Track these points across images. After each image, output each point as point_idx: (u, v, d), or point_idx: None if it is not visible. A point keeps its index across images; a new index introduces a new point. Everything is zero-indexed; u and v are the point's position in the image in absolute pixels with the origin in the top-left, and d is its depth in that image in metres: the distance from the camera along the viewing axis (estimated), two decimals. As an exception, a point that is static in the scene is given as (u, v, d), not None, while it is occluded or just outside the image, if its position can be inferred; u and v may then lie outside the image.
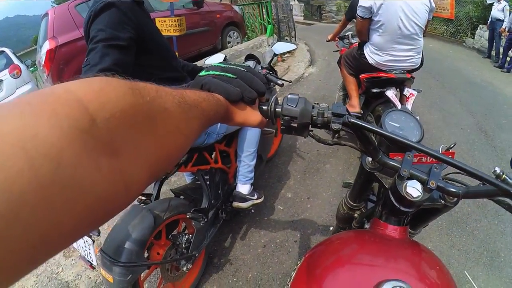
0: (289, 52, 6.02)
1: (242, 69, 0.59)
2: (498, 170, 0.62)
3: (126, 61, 1.10)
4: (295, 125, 0.64)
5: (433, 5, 2.35)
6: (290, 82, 2.36)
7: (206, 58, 2.77)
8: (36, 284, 1.96)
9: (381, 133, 0.67)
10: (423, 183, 0.70)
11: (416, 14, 2.27)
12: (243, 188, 2.04)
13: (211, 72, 0.56)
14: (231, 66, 0.59)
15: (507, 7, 7.27)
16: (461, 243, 2.40)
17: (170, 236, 1.66)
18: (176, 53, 4.22)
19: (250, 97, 0.56)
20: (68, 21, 4.06)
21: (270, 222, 2.43)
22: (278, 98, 0.67)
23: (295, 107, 0.63)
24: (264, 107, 0.65)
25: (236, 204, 2.03)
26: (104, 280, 1.36)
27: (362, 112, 2.75)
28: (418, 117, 0.90)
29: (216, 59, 2.33)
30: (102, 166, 0.25)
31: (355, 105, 2.69)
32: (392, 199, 0.74)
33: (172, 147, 0.37)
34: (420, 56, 2.53)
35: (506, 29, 7.11)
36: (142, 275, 1.49)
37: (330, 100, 3.66)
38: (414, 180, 0.71)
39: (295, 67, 5.52)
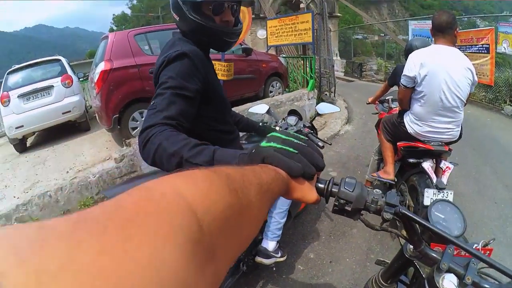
0: (333, 112, 6.11)
1: (303, 143, 0.60)
2: None
3: (190, 112, 1.11)
4: (349, 208, 0.66)
5: (476, 78, 2.38)
6: (330, 144, 2.39)
7: (249, 105, 2.86)
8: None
9: (428, 227, 0.69)
10: (460, 277, 0.71)
11: (458, 87, 2.29)
12: (269, 244, 2.04)
13: (272, 145, 0.58)
14: (291, 139, 0.60)
15: None
16: None
17: None
18: (231, 108, 4.42)
19: (310, 173, 0.57)
20: (125, 48, 4.37)
21: (288, 281, 2.38)
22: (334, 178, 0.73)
23: (352, 191, 0.65)
24: (321, 185, 0.67)
25: (259, 259, 2.04)
26: None
27: (396, 180, 2.73)
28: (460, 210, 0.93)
29: (259, 109, 2.37)
30: (206, 273, 0.24)
31: (389, 172, 2.68)
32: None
33: (250, 237, 0.38)
34: (460, 128, 2.53)
35: None
36: None
37: (363, 161, 3.66)
38: (452, 274, 0.72)
39: (331, 123, 5.60)
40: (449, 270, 0.72)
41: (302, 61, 7.12)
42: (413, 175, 2.53)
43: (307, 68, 6.74)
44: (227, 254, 0.30)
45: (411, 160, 2.48)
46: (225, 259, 0.29)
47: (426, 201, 2.19)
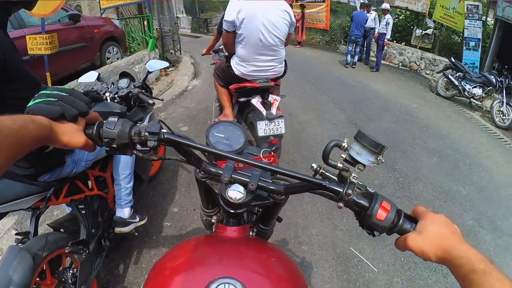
0: (172, 66, 6.01)
1: (64, 93, 0.65)
2: (315, 165, 0.70)
3: None
4: (115, 145, 0.70)
5: (293, 19, 2.64)
6: (162, 100, 2.40)
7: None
8: None
9: (192, 145, 0.74)
10: (245, 185, 0.77)
11: (276, 27, 2.52)
12: (123, 212, 2.01)
13: (37, 100, 0.63)
14: (54, 92, 0.65)
15: (377, 16, 8.61)
16: (342, 224, 2.72)
17: (55, 274, 1.57)
18: (48, 74, 3.89)
19: (70, 114, 0.63)
20: None
21: (159, 240, 2.42)
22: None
23: (113, 129, 0.69)
24: (89, 131, 0.70)
25: (118, 229, 1.98)
26: None
27: (236, 121, 2.93)
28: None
29: (89, 77, 2.24)
30: None
31: (228, 115, 2.86)
32: (222, 203, 0.80)
33: None
34: (283, 65, 2.81)
35: (377, 35, 8.46)
36: None
37: (212, 111, 3.81)
38: (237, 184, 0.78)
39: (178, 80, 5.55)
40: (233, 181, 0.78)
41: (139, 22, 6.65)
42: (249, 113, 2.75)
43: (145, 28, 6.34)
44: None
45: (241, 99, 2.69)
46: None
47: (260, 132, 2.45)
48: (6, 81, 1.15)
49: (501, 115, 5.75)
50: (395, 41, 10.13)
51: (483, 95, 6.42)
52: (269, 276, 0.75)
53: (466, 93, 6.56)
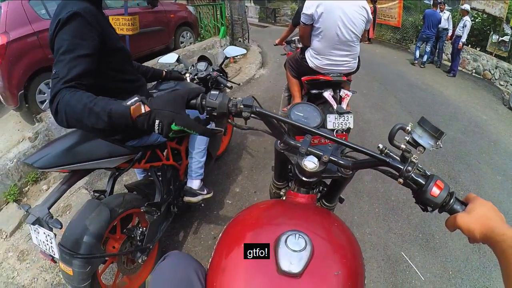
0: (241, 55, 6.17)
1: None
2: (381, 146, 0.80)
3: (91, 70, 1.14)
4: (215, 114, 0.84)
5: (370, 16, 2.60)
6: (239, 84, 2.49)
7: (159, 57, 2.81)
8: (-8, 290, 1.92)
9: (278, 118, 0.87)
10: (318, 158, 0.89)
11: (353, 23, 2.50)
12: (194, 183, 2.14)
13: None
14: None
15: (451, 16, 8.03)
16: (397, 228, 2.66)
17: (125, 230, 1.72)
18: (131, 56, 4.18)
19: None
20: (21, 16, 3.81)
21: (219, 215, 2.55)
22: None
23: (215, 100, 0.83)
24: (193, 101, 0.86)
25: (187, 198, 2.12)
26: (64, 274, 1.40)
27: None
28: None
29: (169, 58, 2.38)
30: None
31: (298, 105, 2.87)
32: (297, 171, 0.92)
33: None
34: (357, 61, 2.78)
35: (450, 36, 7.92)
36: (99, 269, 1.54)
37: (278, 100, 3.86)
38: (312, 156, 0.90)
39: (246, 68, 5.65)
40: (309, 153, 0.90)
41: (212, 9, 6.87)
42: (318, 105, 2.73)
43: (218, 16, 6.54)
44: None
45: (313, 91, 2.70)
46: None
47: (329, 125, 2.45)
48: (103, 53, 1.28)
49: None
50: (469, 46, 9.31)
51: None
52: (331, 235, 0.84)
53: (542, 110, 5.83)
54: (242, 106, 0.84)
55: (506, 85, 7.67)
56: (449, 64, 8.15)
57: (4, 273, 1.99)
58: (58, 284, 1.93)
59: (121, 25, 3.97)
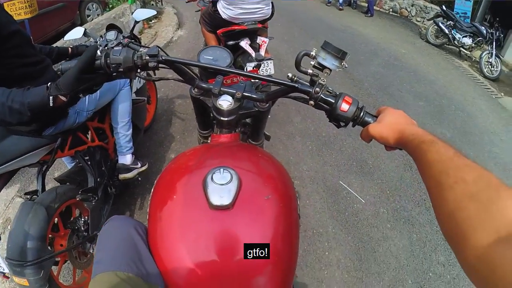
0: (154, 17, 5.80)
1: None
2: (290, 74, 0.82)
3: None
4: (122, 69, 0.83)
5: None
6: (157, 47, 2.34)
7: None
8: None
9: (186, 62, 0.86)
10: (232, 96, 0.90)
11: None
12: (125, 159, 2.06)
13: None
14: None
15: None
16: (332, 160, 2.84)
17: (67, 224, 1.65)
18: (31, 38, 3.70)
19: None
20: None
21: (161, 185, 2.46)
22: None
23: (119, 55, 0.82)
24: (97, 61, 0.83)
25: (122, 176, 2.05)
26: (21, 287, 1.34)
27: None
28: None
29: (75, 33, 2.18)
30: None
31: (217, 59, 2.80)
32: (215, 113, 0.93)
33: None
34: (270, 7, 2.72)
35: None
36: (54, 271, 1.48)
37: (200, 60, 3.74)
38: (226, 95, 0.90)
39: (162, 32, 5.32)
40: (222, 93, 0.90)
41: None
42: (238, 56, 2.71)
43: (125, -20, 5.97)
44: None
45: (230, 43, 2.64)
46: None
47: (250, 74, 2.42)
48: None
49: (490, 66, 5.77)
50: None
51: (473, 45, 6.40)
52: (258, 166, 0.87)
53: (456, 42, 6.51)
54: (148, 57, 0.83)
55: (423, 21, 8.33)
56: (366, 5, 8.52)
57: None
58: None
59: (18, 10, 3.49)
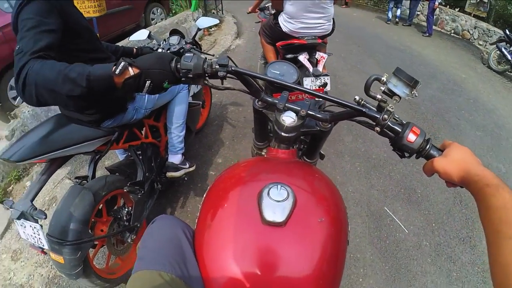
0: (215, 26, 6.01)
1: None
2: (357, 97, 0.81)
3: (56, 45, 1.12)
4: (191, 75, 0.83)
5: None
6: (213, 55, 2.44)
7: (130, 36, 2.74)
8: (-10, 296, 1.92)
9: (255, 75, 0.87)
10: (296, 113, 0.90)
11: None
12: (175, 158, 2.15)
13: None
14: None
15: None
16: (379, 184, 2.74)
17: (111, 212, 1.73)
18: (98, 35, 4.01)
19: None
20: None
21: (204, 187, 2.56)
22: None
23: (190, 62, 0.83)
24: (172, 65, 0.85)
25: (169, 174, 2.12)
26: (56, 263, 1.41)
27: None
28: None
29: (140, 35, 2.33)
30: None
31: (275, 72, 2.84)
32: (276, 128, 0.93)
33: None
34: (331, 23, 2.72)
35: None
36: (90, 253, 1.55)
37: (255, 70, 3.81)
38: (290, 111, 0.91)
39: (221, 40, 5.51)
40: (287, 109, 0.91)
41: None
42: (295, 70, 2.72)
43: (189, -12, 6.28)
44: None
45: (288, 56, 2.66)
46: None
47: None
48: (70, 34, 1.26)
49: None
50: (448, 6, 9.30)
51: (538, 74, 5.75)
52: (313, 186, 0.86)
53: (519, 69, 5.92)
54: (218, 66, 0.84)
55: (485, 45, 7.78)
56: (425, 24, 8.19)
57: (1, 276, 1.98)
58: (54, 277, 1.93)
59: (87, 8, 3.77)
